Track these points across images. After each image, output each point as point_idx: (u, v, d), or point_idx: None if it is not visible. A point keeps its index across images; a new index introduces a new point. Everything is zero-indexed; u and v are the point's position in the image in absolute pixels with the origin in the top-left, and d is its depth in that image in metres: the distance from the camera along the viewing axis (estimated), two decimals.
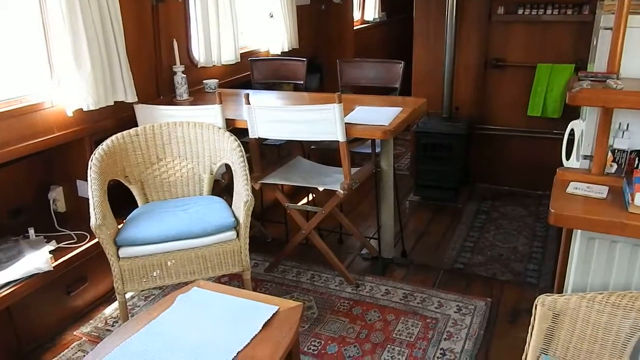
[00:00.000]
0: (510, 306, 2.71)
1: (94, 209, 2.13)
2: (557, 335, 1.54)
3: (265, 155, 3.25)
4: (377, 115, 2.64)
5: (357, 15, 5.95)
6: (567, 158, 2.20)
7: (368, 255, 3.16)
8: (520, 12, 4.02)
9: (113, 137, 2.48)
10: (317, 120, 2.47)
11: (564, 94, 3.98)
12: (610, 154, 1.58)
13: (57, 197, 2.74)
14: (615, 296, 1.45)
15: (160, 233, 2.22)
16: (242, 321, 1.67)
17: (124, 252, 2.19)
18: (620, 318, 1.46)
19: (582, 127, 2.00)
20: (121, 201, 2.57)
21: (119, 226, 2.33)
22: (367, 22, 6.13)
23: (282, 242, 3.24)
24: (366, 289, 2.84)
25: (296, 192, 3.84)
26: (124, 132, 2.52)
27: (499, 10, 4.06)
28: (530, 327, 1.60)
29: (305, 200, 3.64)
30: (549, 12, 3.95)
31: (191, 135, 2.62)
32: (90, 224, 2.10)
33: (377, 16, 6.25)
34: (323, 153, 3.31)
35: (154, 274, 2.19)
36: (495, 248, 3.43)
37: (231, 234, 2.29)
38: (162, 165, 2.63)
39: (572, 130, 2.22)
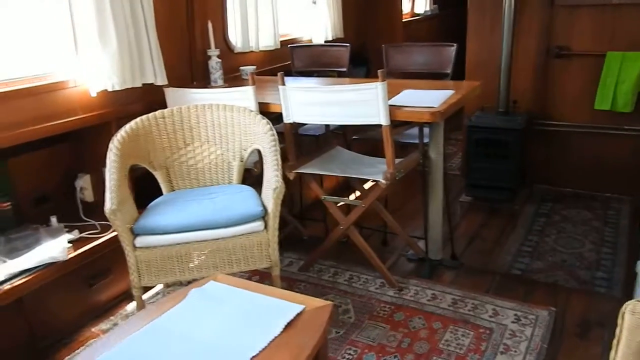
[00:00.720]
0: (578, 317, 2.34)
1: (110, 193, 1.96)
2: None
3: (303, 145, 3.03)
4: (426, 97, 2.36)
5: (407, 7, 5.67)
6: None
7: (414, 257, 2.86)
8: None
9: (137, 119, 2.31)
10: (358, 102, 2.21)
11: (637, 85, 3.59)
12: None
13: (84, 185, 2.61)
14: None
15: (181, 221, 2.02)
16: (260, 321, 1.43)
17: (140, 241, 2.00)
18: None
19: None
20: (149, 192, 2.41)
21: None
22: (418, 14, 5.84)
23: (319, 240, 2.98)
24: (410, 292, 2.54)
25: (340, 189, 3.58)
26: (150, 115, 2.35)
27: None
28: (615, 341, 1.27)
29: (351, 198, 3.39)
30: None
31: (221, 119, 2.42)
32: (105, 209, 1.92)
33: (428, 9, 5.95)
34: (367, 144, 3.05)
35: (174, 266, 1.99)
36: (558, 253, 3.07)
37: (258, 225, 2.06)
38: (190, 151, 2.44)
39: None
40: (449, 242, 3.01)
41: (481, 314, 2.37)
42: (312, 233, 3.22)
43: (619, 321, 1.26)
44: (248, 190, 2.27)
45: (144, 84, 2.56)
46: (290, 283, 2.65)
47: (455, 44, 2.93)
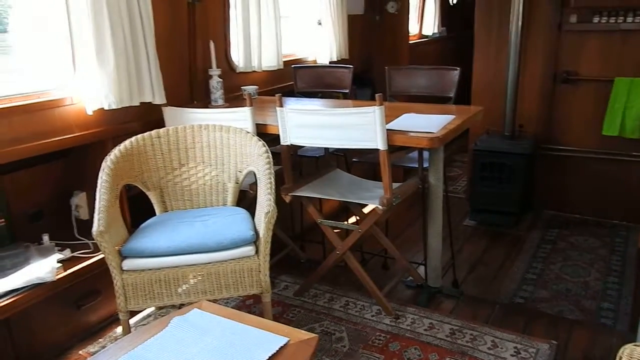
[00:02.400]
0: (580, 351, 2.25)
1: (98, 214, 1.92)
2: None
3: (302, 167, 2.99)
4: (425, 122, 2.31)
5: (415, 29, 5.66)
6: None
7: (412, 283, 2.78)
8: (595, 20, 3.62)
9: (132, 139, 2.29)
10: (355, 125, 2.17)
11: None
12: None
13: (79, 203, 2.58)
14: None
15: (170, 244, 1.97)
16: (241, 353, 1.37)
17: (128, 264, 1.95)
18: None
19: None
20: (145, 211, 2.37)
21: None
22: (426, 36, 5.83)
23: (318, 263, 2.92)
24: (407, 321, 2.46)
25: (339, 211, 3.53)
26: (145, 134, 2.33)
27: (571, 18, 3.68)
28: None
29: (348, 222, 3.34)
30: (629, 19, 3.54)
31: (217, 140, 2.39)
32: (92, 230, 1.89)
33: (436, 31, 5.94)
34: (367, 167, 3.00)
35: (162, 290, 1.94)
36: (562, 282, 2.99)
37: (249, 250, 2.01)
38: (184, 172, 2.41)
39: None
40: (450, 267, 2.94)
41: (479, 345, 2.29)
42: (311, 256, 3.16)
43: None
44: (242, 213, 2.22)
45: (141, 103, 2.54)
46: (284, 308, 2.59)
47: (458, 68, 2.89)
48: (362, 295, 2.64)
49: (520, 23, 3.66)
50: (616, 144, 3.71)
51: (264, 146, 2.24)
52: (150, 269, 1.95)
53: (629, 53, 3.57)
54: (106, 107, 2.36)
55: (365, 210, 2.97)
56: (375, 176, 2.60)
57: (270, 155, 2.21)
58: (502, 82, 3.82)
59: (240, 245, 2.00)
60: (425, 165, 2.53)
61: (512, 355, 2.22)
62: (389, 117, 2.37)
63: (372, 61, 4.64)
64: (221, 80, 2.98)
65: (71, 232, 2.52)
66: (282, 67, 3.46)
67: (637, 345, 1.16)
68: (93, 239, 2.34)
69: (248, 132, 2.37)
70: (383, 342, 2.32)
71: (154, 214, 2.37)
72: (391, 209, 2.28)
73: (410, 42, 5.07)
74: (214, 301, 1.93)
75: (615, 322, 2.59)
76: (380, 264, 3.11)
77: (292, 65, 3.51)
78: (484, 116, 2.75)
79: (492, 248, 3.47)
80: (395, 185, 2.38)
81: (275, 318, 2.35)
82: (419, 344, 2.30)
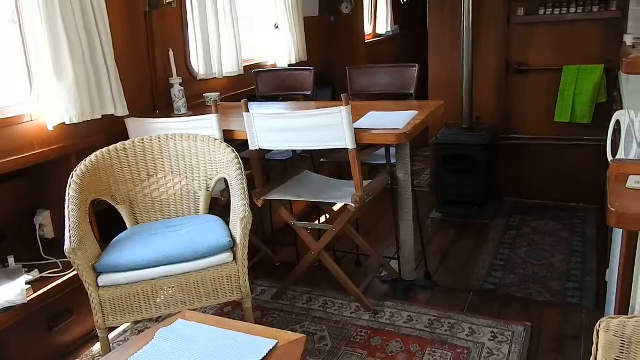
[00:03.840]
0: (553, 331, 2.35)
1: (70, 231, 1.87)
2: None
3: (271, 171, 2.99)
4: (391, 119, 2.36)
5: (369, 28, 5.74)
6: (613, 155, 1.88)
7: (387, 278, 2.83)
8: (541, 12, 3.77)
9: (98, 153, 2.24)
10: (323, 126, 2.20)
11: (594, 97, 3.70)
12: None
13: (44, 222, 2.50)
14: None
15: (146, 257, 1.94)
16: (232, 359, 1.37)
17: (104, 279, 1.91)
18: None
19: (632, 116, 1.69)
20: (113, 226, 2.32)
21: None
22: (380, 35, 5.92)
23: (292, 265, 2.93)
24: (386, 315, 2.51)
25: (309, 214, 3.54)
26: (110, 147, 2.29)
27: (518, 11, 3.82)
28: (592, 359, 1.26)
29: (319, 221, 3.36)
30: (572, 10, 3.70)
31: (184, 149, 2.37)
32: (64, 248, 1.84)
33: (389, 29, 6.04)
34: (334, 167, 3.03)
35: (140, 304, 1.91)
36: (529, 266, 3.10)
37: (227, 256, 2.00)
38: (153, 183, 2.37)
39: (617, 122, 1.90)
40: (422, 260, 3.00)
41: (458, 333, 2.35)
42: (284, 258, 3.17)
43: (594, 339, 1.26)
44: (215, 220, 2.21)
45: (104, 116, 2.49)
46: (263, 312, 2.58)
47: (417, 65, 2.96)
48: (339, 294, 2.67)
49: (471, 18, 3.76)
50: (568, 130, 3.86)
51: (234, 152, 2.24)
52: (127, 284, 1.92)
53: (575, 42, 3.72)
54: (67, 122, 2.30)
55: (336, 208, 2.99)
56: (344, 175, 2.63)
57: (240, 160, 2.21)
58: (458, 76, 3.91)
59: (217, 252, 1.99)
60: (393, 161, 2.58)
61: (489, 340, 2.29)
62: (354, 116, 2.40)
63: (330, 62, 4.68)
64: (183, 88, 2.96)
65: (37, 252, 2.44)
66: (242, 72, 3.45)
67: (612, 318, 1.23)
68: (61, 258, 2.30)
69: (216, 140, 2.35)
70: (365, 338, 2.35)
71: (123, 229, 2.33)
72: (363, 207, 2.31)
73: (366, 41, 5.14)
74: (194, 310, 1.92)
75: (581, 300, 2.71)
76: (353, 262, 3.14)
77: (253, 70, 3.51)
78: (442, 112, 2.82)
79: (460, 238, 3.56)
80: (365, 183, 2.42)
81: (256, 323, 2.34)
82: (399, 336, 2.34)
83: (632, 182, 1.26)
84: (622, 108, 2.74)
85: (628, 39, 3.54)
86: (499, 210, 3.95)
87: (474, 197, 3.86)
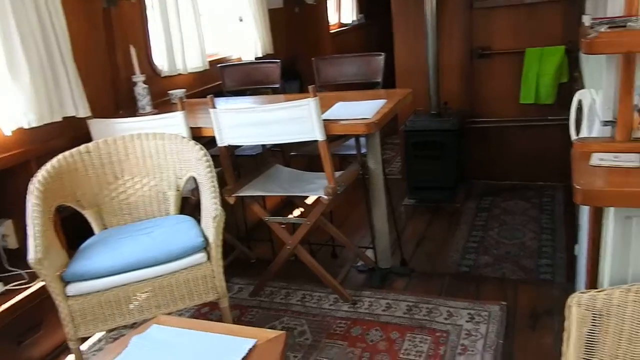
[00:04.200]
0: (528, 308, 2.39)
1: (34, 241, 1.81)
2: (602, 341, 1.23)
3: (241, 167, 2.95)
4: (359, 109, 2.35)
5: (334, 18, 5.72)
6: (577, 134, 1.91)
7: (364, 267, 2.83)
8: None
9: (60, 156, 2.17)
10: (291, 119, 2.18)
11: (556, 78, 3.77)
12: (637, 114, 1.30)
13: (6, 232, 2.41)
14: None
15: (116, 262, 1.89)
16: None
17: (72, 289, 1.85)
18: None
19: (593, 95, 1.73)
20: (79, 232, 2.26)
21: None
22: (345, 25, 5.90)
23: (268, 261, 2.90)
24: (364, 305, 2.51)
25: (282, 208, 3.52)
26: (73, 150, 2.21)
27: None
28: (565, 335, 1.29)
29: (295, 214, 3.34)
30: None
31: (151, 148, 2.32)
32: (29, 259, 1.77)
33: (355, 18, 6.03)
34: (305, 159, 3.02)
35: (113, 312, 1.86)
36: (502, 246, 3.15)
37: (201, 257, 1.97)
38: (121, 185, 2.31)
39: (579, 102, 1.93)
40: (397, 248, 3.02)
41: (436, 317, 2.37)
42: (260, 255, 3.14)
43: (566, 313, 1.28)
44: (187, 220, 2.17)
45: (64, 118, 2.40)
46: (241, 310, 2.56)
47: (383, 53, 2.95)
48: (317, 287, 2.66)
49: (434, 4, 3.79)
50: (533, 111, 3.92)
51: (202, 149, 2.20)
52: (97, 291, 1.86)
53: (536, 24, 3.77)
54: (26, 126, 2.22)
55: (309, 201, 2.99)
56: (315, 168, 2.61)
57: (210, 158, 2.17)
58: (424, 62, 3.93)
59: (190, 253, 1.95)
60: (363, 151, 2.57)
61: (467, 322, 2.32)
62: (322, 107, 2.38)
63: (296, 54, 4.64)
64: (146, 86, 2.89)
65: (0, 264, 2.35)
66: (207, 67, 3.39)
67: (583, 293, 1.25)
68: (26, 269, 2.21)
69: (184, 137, 2.31)
70: (344, 329, 2.35)
71: (91, 234, 2.26)
72: (336, 198, 2.31)
73: (331, 31, 5.12)
74: (170, 314, 1.88)
75: (553, 277, 2.77)
76: (329, 253, 3.14)
77: (219, 65, 3.45)
78: (410, 99, 2.83)
79: (433, 223, 3.59)
80: (336, 174, 2.41)
81: (234, 322, 2.32)
82: (379, 324, 2.36)
83: (596, 159, 1.28)
84: (583, 87, 2.81)
85: (586, 20, 3.63)
86: (469, 194, 4.00)
87: (445, 182, 3.89)
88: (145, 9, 3.01)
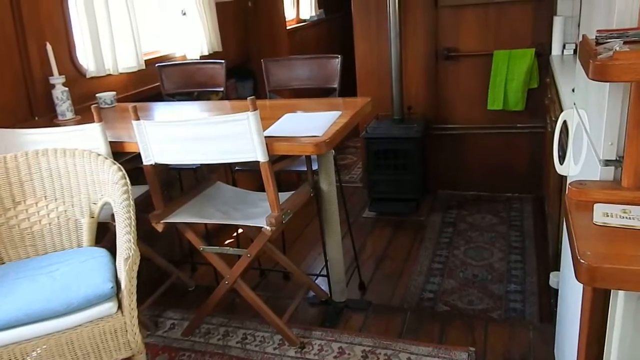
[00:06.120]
0: (500, 355, 2.11)
1: None
2: None
3: (175, 183, 2.59)
4: (309, 123, 2.02)
5: (292, 13, 5.36)
6: (561, 162, 1.64)
7: (316, 300, 2.51)
8: None
9: None
10: (228, 136, 1.83)
11: (526, 83, 3.55)
12: None
13: None
14: None
15: (5, 315, 1.51)
16: None
17: None
18: None
19: (582, 117, 1.45)
20: None
21: None
22: (304, 20, 5.55)
23: (209, 289, 2.54)
24: (314, 349, 2.18)
25: (221, 227, 3.12)
26: None
27: None
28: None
29: (236, 234, 2.99)
30: None
31: (60, 167, 1.93)
32: None
33: (314, 14, 5.69)
34: (253, 175, 2.67)
35: None
36: (468, 267, 2.92)
37: (109, 307, 1.60)
38: (21, 211, 1.92)
39: (564, 123, 1.66)
40: (355, 269, 2.74)
41: None
42: (200, 280, 2.79)
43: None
44: (100, 256, 1.80)
45: None
46: (170, 355, 2.19)
47: (339, 56, 2.63)
48: (261, 324, 2.31)
49: (397, 2, 3.52)
50: (501, 118, 3.72)
51: (120, 171, 1.83)
52: None
53: (505, 25, 3.56)
54: None
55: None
56: (264, 186, 2.27)
57: (128, 181, 1.80)
58: (386, 64, 3.67)
59: (96, 303, 1.58)
60: (315, 167, 2.25)
61: None
62: (268, 119, 2.06)
63: (250, 51, 4.28)
64: (66, 89, 2.50)
65: None
66: (144, 67, 2.99)
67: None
68: None
69: (99, 155, 1.93)
70: None
71: None
72: (282, 227, 1.98)
73: (288, 27, 4.77)
74: None
75: (524, 305, 2.54)
76: (281, 275, 2.83)
77: (157, 64, 3.06)
78: (372, 101, 2.54)
79: (395, 239, 3.33)
80: (284, 195, 2.08)
81: None
82: None
83: (599, 214, 0.99)
84: (557, 96, 2.57)
85: (558, 22, 3.40)
86: (434, 206, 3.76)
87: (408, 193, 3.65)
88: (65, 0, 2.58)
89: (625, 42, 0.90)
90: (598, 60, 0.84)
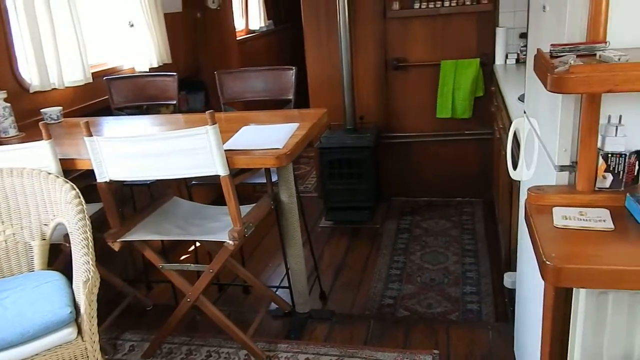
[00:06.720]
0: (463, 355, 2.17)
1: None
2: None
3: (129, 200, 2.52)
4: (269, 135, 2.01)
5: (241, 24, 5.34)
6: (515, 167, 1.71)
7: (279, 312, 2.49)
8: (417, 6, 3.68)
9: None
10: (187, 150, 1.80)
11: (472, 91, 3.69)
12: (602, 160, 1.08)
13: None
14: None
15: None
16: None
17: None
18: None
19: (535, 125, 1.52)
20: None
21: None
22: (253, 31, 5.54)
23: (168, 307, 2.49)
24: None
25: (177, 243, 3.05)
26: None
27: (394, 5, 3.70)
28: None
29: (193, 248, 2.93)
30: (446, 4, 3.64)
31: (6, 188, 1.84)
32: None
33: (263, 25, 5.69)
34: (210, 189, 2.64)
35: None
36: (425, 272, 2.99)
37: (68, 333, 1.53)
38: None
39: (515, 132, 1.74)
40: (316, 279, 2.74)
41: None
42: (157, 299, 2.71)
43: None
44: (53, 280, 1.72)
45: None
46: None
47: (294, 67, 2.64)
48: (225, 340, 2.27)
49: (346, 13, 3.58)
50: (450, 125, 3.84)
51: (73, 189, 1.76)
52: None
53: (451, 36, 3.67)
54: None
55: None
56: (221, 200, 2.24)
57: (82, 200, 1.74)
58: (338, 75, 3.71)
59: (54, 329, 1.51)
60: (275, 179, 2.24)
61: None
62: (226, 132, 2.04)
63: (200, 63, 4.22)
64: (9, 105, 2.38)
65: None
66: (91, 80, 2.89)
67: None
68: None
69: (50, 174, 1.85)
70: None
71: None
72: (244, 241, 1.96)
73: (238, 38, 4.74)
74: None
75: (480, 306, 2.63)
76: (240, 289, 2.80)
77: (105, 77, 2.97)
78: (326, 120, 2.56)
79: (352, 247, 3.36)
80: (245, 209, 2.06)
81: None
82: None
83: (559, 217, 1.04)
84: (504, 104, 2.68)
85: (500, 33, 3.56)
86: (388, 213, 3.82)
87: (363, 201, 3.70)
88: (6, 10, 2.47)
89: (578, 56, 0.95)
90: (555, 73, 0.89)
